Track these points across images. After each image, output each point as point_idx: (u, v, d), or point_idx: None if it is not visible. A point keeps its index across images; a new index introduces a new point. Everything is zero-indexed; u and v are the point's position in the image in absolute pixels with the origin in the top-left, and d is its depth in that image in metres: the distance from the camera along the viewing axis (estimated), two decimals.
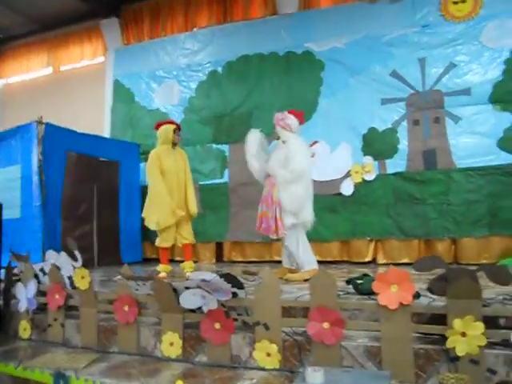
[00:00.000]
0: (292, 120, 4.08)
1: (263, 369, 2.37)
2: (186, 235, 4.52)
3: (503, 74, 5.13)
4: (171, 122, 4.66)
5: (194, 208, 4.54)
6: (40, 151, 5.23)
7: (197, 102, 6.70)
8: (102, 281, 4.22)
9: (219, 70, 6.62)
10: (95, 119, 7.29)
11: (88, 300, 3.03)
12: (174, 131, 4.50)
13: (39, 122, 5.26)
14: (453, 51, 5.40)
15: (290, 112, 4.13)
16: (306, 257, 3.95)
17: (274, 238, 4.02)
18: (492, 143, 5.11)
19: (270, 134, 5.30)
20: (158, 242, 4.47)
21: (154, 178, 4.36)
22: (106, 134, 7.14)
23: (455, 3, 5.43)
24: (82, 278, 3.02)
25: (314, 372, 1.93)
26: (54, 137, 5.37)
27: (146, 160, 6.75)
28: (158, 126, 4.58)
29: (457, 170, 5.22)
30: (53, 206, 5.30)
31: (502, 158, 5.04)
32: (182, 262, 4.64)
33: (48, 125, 5.33)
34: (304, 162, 3.89)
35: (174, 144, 4.55)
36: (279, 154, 4.00)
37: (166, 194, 4.31)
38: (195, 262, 5.25)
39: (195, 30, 6.98)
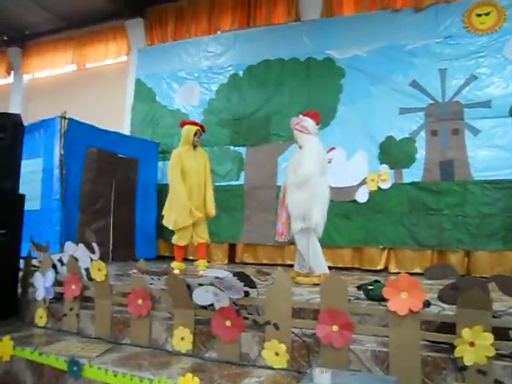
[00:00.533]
0: (308, 122, 4.07)
1: (271, 368, 2.41)
2: (203, 235, 4.58)
3: None
4: (195, 124, 4.70)
5: (212, 209, 4.62)
6: (62, 145, 5.36)
7: (217, 104, 6.80)
8: (117, 275, 4.30)
9: (240, 73, 6.70)
10: (116, 117, 7.44)
11: (103, 292, 3.10)
12: (196, 133, 4.55)
13: (63, 117, 5.40)
14: (475, 63, 5.39)
15: (305, 114, 4.16)
16: (316, 261, 3.96)
17: (280, 241, 4.09)
18: (510, 157, 5.08)
19: (289, 139, 5.38)
20: (174, 240, 4.56)
21: (175, 178, 4.43)
22: (126, 131, 7.28)
23: (479, 16, 5.42)
24: (99, 270, 3.10)
25: (321, 373, 1.96)
26: (76, 132, 5.50)
27: (164, 159, 6.99)
28: (182, 125, 4.67)
29: (474, 182, 5.20)
30: (71, 200, 5.42)
31: None
32: (195, 260, 4.71)
33: (71, 120, 5.46)
34: (311, 166, 3.86)
35: (194, 146, 4.61)
36: (295, 159, 4.07)
37: (185, 195, 4.39)
38: (208, 261, 5.31)
39: (218, 33, 7.09)
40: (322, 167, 4.01)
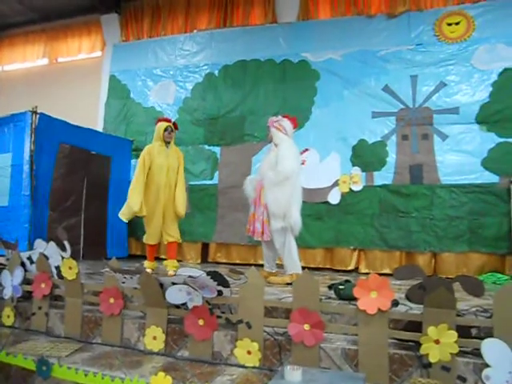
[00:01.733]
0: (286, 123, 4.17)
1: (243, 366, 2.44)
2: (172, 233, 4.53)
3: (490, 96, 5.31)
4: (168, 120, 4.67)
5: (181, 209, 4.53)
6: (32, 141, 5.23)
7: (192, 102, 6.77)
8: (88, 274, 4.25)
9: (216, 72, 6.70)
10: (89, 113, 7.30)
11: (74, 290, 3.06)
12: (166, 129, 4.51)
13: (33, 112, 5.27)
14: (444, 71, 5.56)
15: (284, 116, 4.26)
16: (291, 260, 4.02)
17: (259, 240, 4.11)
18: (477, 162, 5.27)
19: (263, 139, 5.46)
20: (144, 239, 4.56)
21: (137, 171, 4.45)
22: (99, 128, 7.16)
23: (449, 25, 5.60)
24: (70, 268, 3.06)
25: (292, 370, 2.00)
26: (48, 127, 5.38)
27: (137, 156, 6.85)
28: (157, 122, 4.65)
29: (441, 185, 5.36)
30: (41, 196, 5.30)
31: (485, 177, 5.20)
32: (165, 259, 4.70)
33: (42, 115, 5.33)
34: (292, 164, 3.95)
35: (167, 142, 4.56)
36: (271, 157, 4.12)
37: (140, 186, 4.37)
38: (180, 261, 5.29)
39: (195, 31, 7.06)
40: (298, 167, 4.12)
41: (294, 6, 6.45)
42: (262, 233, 4.00)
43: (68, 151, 5.67)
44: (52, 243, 3.37)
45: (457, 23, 5.57)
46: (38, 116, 5.29)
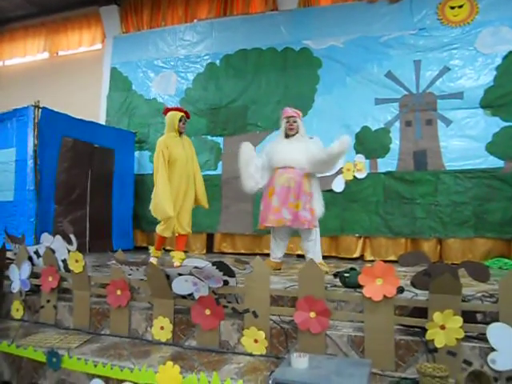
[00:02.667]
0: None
1: (250, 354, 2.47)
2: (186, 226, 4.39)
3: (494, 80, 5.24)
4: (179, 110, 4.49)
5: (205, 200, 4.56)
6: (36, 135, 5.24)
7: (193, 93, 6.75)
8: (94, 266, 4.27)
9: (217, 62, 6.66)
10: (91, 106, 7.29)
11: (81, 283, 3.09)
12: (180, 119, 4.35)
13: (36, 106, 5.27)
14: (448, 55, 5.50)
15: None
16: (319, 249, 4.23)
17: (312, 227, 4.07)
18: (481, 147, 5.23)
19: (266, 129, 5.44)
20: (159, 231, 4.32)
21: (161, 168, 4.17)
22: (102, 121, 7.16)
23: (452, 8, 5.52)
24: (76, 261, 3.09)
25: (299, 357, 2.03)
26: (51, 121, 5.39)
27: (141, 149, 6.92)
28: (166, 111, 4.47)
29: (446, 171, 5.33)
30: (46, 191, 5.32)
31: (490, 162, 5.16)
32: (171, 250, 4.65)
33: (45, 109, 5.34)
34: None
35: (180, 132, 4.40)
36: (301, 147, 4.09)
37: (169, 185, 4.16)
38: (185, 251, 5.30)
39: (195, 21, 7.01)
40: None
41: None
42: (309, 220, 3.98)
43: (71, 145, 5.68)
44: (58, 237, 3.39)
45: (460, 6, 5.49)
46: (40, 110, 5.30)
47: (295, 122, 4.19)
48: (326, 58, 6.02)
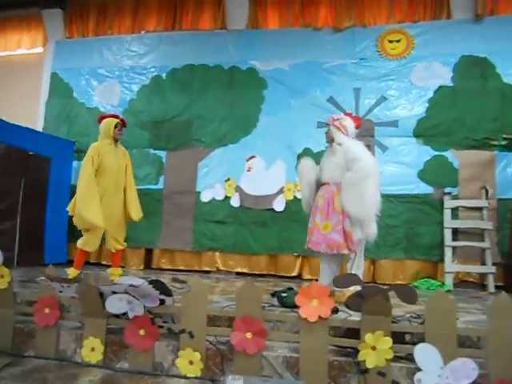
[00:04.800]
0: (348, 122, 3.73)
1: (185, 377, 2.41)
2: (121, 240, 4.23)
3: (426, 112, 5.64)
4: (115, 116, 4.33)
5: (136, 213, 4.25)
6: None
7: (137, 104, 6.63)
8: (22, 281, 4.02)
9: (163, 75, 6.61)
10: (28, 111, 6.94)
11: (5, 300, 2.89)
12: (116, 126, 4.17)
13: None
14: (385, 85, 5.84)
15: (347, 114, 3.93)
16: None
17: (349, 253, 3.58)
18: (414, 173, 5.56)
19: (210, 144, 5.38)
20: (80, 244, 4.05)
21: (88, 174, 3.97)
22: (39, 128, 6.83)
23: (391, 42, 5.89)
24: (1, 276, 2.89)
25: (233, 380, 2.02)
26: None
27: (80, 159, 6.63)
28: (100, 119, 4.27)
29: (380, 195, 5.57)
30: None
31: (421, 188, 5.50)
32: (108, 266, 4.50)
33: None
34: (371, 159, 3.50)
35: (116, 140, 4.22)
36: (337, 159, 3.59)
37: (97, 195, 3.96)
38: (122, 267, 5.14)
39: (143, 32, 6.93)
40: (376, 165, 3.63)
41: (244, 13, 6.51)
42: (345, 245, 3.48)
43: (3, 151, 5.36)
44: None
45: (397, 41, 5.87)
46: None
47: (328, 130, 3.81)
48: (272, 80, 6.17)
